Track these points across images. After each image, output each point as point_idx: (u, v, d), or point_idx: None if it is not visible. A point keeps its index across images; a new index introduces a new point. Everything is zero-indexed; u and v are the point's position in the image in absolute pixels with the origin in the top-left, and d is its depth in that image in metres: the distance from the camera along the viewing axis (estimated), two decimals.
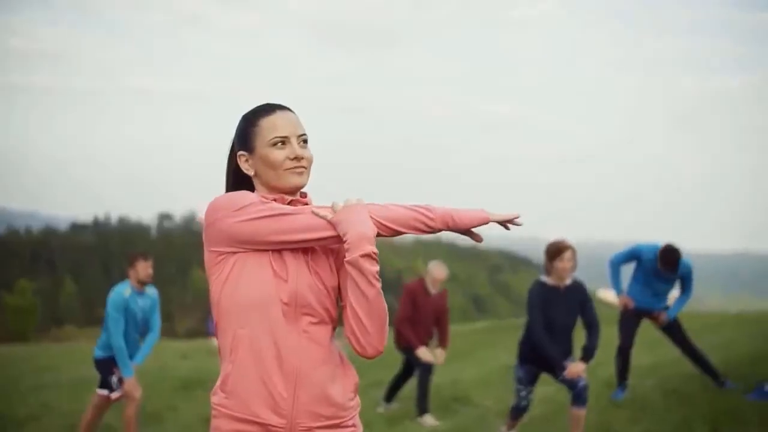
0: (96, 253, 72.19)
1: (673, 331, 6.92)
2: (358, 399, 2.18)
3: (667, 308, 6.87)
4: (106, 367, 6.06)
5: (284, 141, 2.11)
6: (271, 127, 2.12)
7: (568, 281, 5.30)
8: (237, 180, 2.22)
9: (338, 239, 2.05)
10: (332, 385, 2.09)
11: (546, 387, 6.70)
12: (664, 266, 6.58)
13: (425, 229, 2.12)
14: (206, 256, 2.12)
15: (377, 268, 2.01)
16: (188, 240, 77.29)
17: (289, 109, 2.17)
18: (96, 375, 6.21)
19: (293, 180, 2.11)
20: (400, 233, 2.11)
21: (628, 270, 6.98)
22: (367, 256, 1.99)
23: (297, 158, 2.11)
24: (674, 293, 6.96)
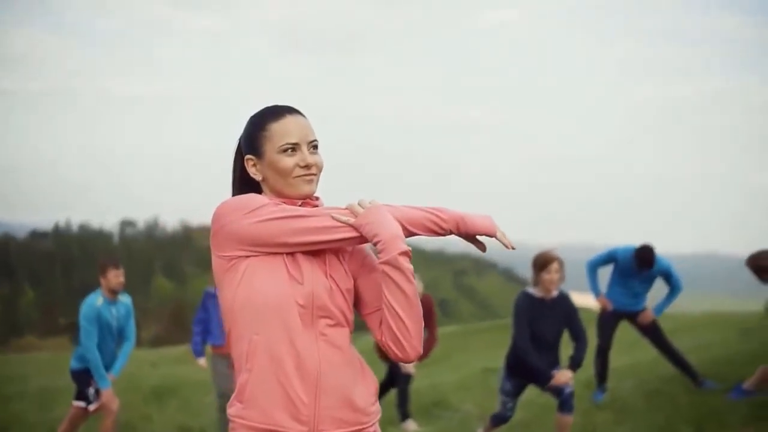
0: (56, 260, 70.98)
1: (652, 332, 6.96)
2: (378, 404, 2.11)
3: (644, 309, 6.91)
4: (83, 378, 5.92)
5: (294, 147, 2.05)
6: (282, 132, 2.05)
7: (554, 293, 5.28)
8: (243, 183, 2.15)
9: (357, 240, 2.01)
10: (354, 389, 2.02)
11: (527, 391, 6.67)
12: (640, 265, 6.65)
13: (438, 230, 2.08)
14: (215, 263, 2.04)
15: (412, 266, 1.97)
16: (151, 247, 76.47)
17: (299, 113, 2.11)
18: (66, 385, 6.07)
19: (303, 188, 2.06)
20: (414, 234, 2.07)
21: (605, 273, 7.02)
22: (404, 253, 1.95)
23: (307, 166, 2.05)
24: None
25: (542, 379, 5.18)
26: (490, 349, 15.43)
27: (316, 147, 2.09)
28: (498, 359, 11.32)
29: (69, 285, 65.06)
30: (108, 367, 5.92)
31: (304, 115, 2.11)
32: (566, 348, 5.30)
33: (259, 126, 2.09)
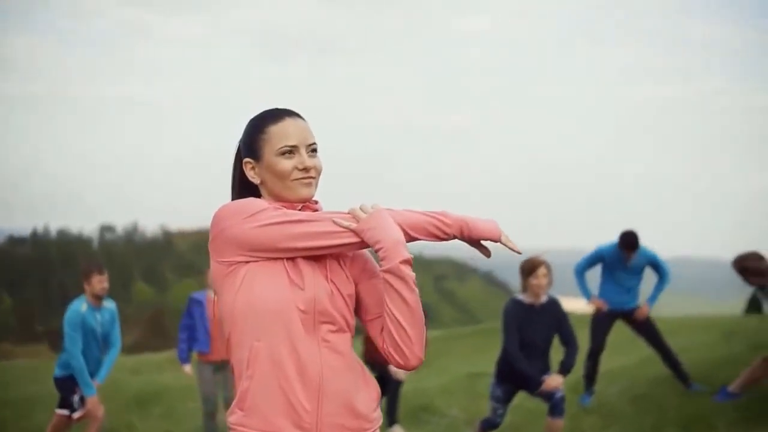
0: (34, 267, 70.27)
1: (648, 330, 6.97)
2: (380, 410, 2.09)
3: (638, 307, 6.92)
4: (67, 386, 5.83)
5: (293, 150, 2.02)
6: (280, 135, 2.03)
7: (544, 299, 5.27)
8: (243, 187, 2.12)
9: (359, 246, 1.98)
10: (356, 395, 2.00)
11: (516, 396, 6.67)
12: (625, 250, 6.70)
13: (441, 235, 2.05)
14: (214, 268, 2.00)
15: (414, 274, 1.94)
16: (131, 252, 75.94)
17: (298, 116, 2.09)
18: (46, 393, 5.99)
19: (301, 191, 2.03)
20: (417, 239, 2.04)
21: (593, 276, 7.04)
22: (406, 261, 1.92)
23: (305, 169, 2.03)
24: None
25: (533, 385, 5.18)
26: (473, 354, 15.43)
27: (315, 150, 2.06)
28: (482, 364, 11.37)
29: (47, 291, 64.44)
30: (93, 374, 5.83)
31: (303, 119, 2.09)
32: (556, 353, 5.31)
33: (257, 129, 2.07)
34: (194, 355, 6.66)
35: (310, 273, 1.97)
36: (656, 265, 6.90)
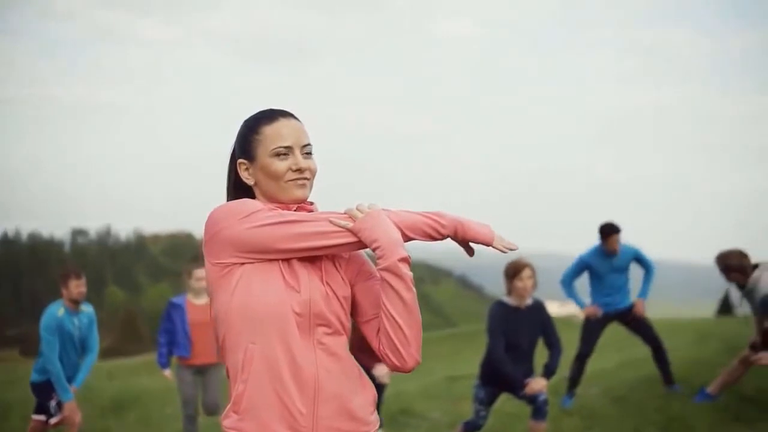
0: (4, 270, 69.38)
1: (644, 327, 6.98)
2: (377, 413, 2.06)
3: (633, 306, 6.95)
4: (44, 391, 5.74)
5: (287, 151, 2.00)
6: (274, 135, 2.01)
7: (529, 301, 5.28)
8: (238, 188, 2.09)
9: (355, 246, 1.96)
10: (353, 398, 1.97)
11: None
12: (605, 240, 6.74)
13: (436, 235, 2.04)
14: (208, 270, 1.97)
15: (411, 273, 1.92)
16: (103, 256, 75.24)
17: (293, 117, 2.06)
18: (19, 398, 5.91)
19: (295, 192, 2.01)
20: (412, 240, 2.02)
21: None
22: (404, 260, 1.91)
23: (300, 170, 2.00)
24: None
25: (516, 388, 5.17)
26: (451, 357, 15.48)
27: (310, 152, 2.04)
28: (460, 367, 11.40)
29: (17, 296, 63.63)
30: (70, 378, 5.76)
31: (298, 119, 2.07)
32: (539, 356, 5.31)
33: (252, 129, 2.04)
34: (174, 359, 6.59)
35: (305, 275, 1.95)
36: (640, 260, 6.93)
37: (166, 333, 6.43)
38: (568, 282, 6.95)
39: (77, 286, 5.72)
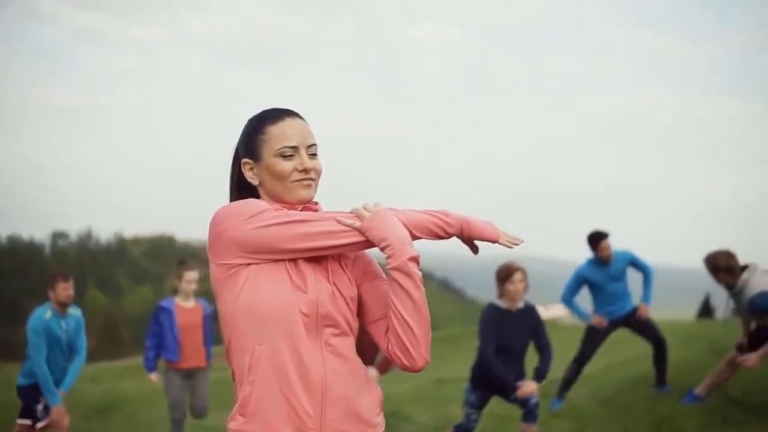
0: None
1: (649, 328, 6.99)
2: (382, 415, 2.05)
3: (636, 308, 6.96)
4: (31, 395, 5.68)
5: (293, 151, 1.98)
6: (279, 135, 1.98)
7: (520, 304, 5.28)
8: (241, 188, 2.07)
9: (363, 245, 1.94)
10: (360, 400, 1.95)
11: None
12: (595, 248, 6.76)
13: (443, 234, 2.03)
14: (213, 271, 1.95)
15: (420, 272, 1.91)
16: (84, 259, 74.67)
17: (299, 116, 2.04)
18: (3, 402, 5.82)
19: (300, 193, 1.99)
20: (420, 238, 2.01)
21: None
22: (413, 259, 1.89)
23: (305, 170, 1.98)
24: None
25: (508, 391, 5.17)
26: (436, 360, 15.46)
27: (315, 152, 2.02)
28: (447, 370, 11.38)
29: None
30: (57, 382, 5.70)
31: (303, 119, 2.04)
32: (529, 359, 5.32)
33: (257, 129, 2.02)
34: (162, 362, 6.54)
35: (312, 275, 1.93)
36: (636, 264, 6.95)
37: (154, 337, 6.38)
38: (569, 299, 6.97)
39: (65, 289, 5.67)
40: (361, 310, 2.03)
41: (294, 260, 1.92)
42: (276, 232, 1.88)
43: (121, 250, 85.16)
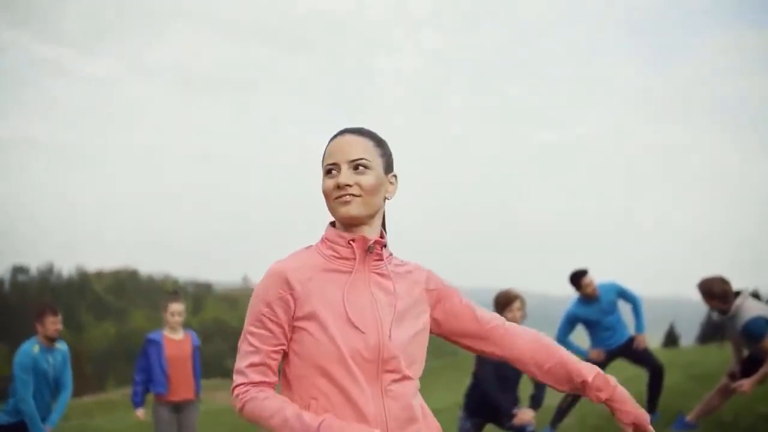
0: None
1: (646, 356, 7.00)
2: None
3: (632, 339, 6.99)
4: None
5: (333, 168, 1.90)
6: (327, 154, 1.94)
7: None
8: None
9: None
10: None
11: None
12: (579, 288, 6.81)
13: None
14: None
15: None
16: (45, 294, 73.17)
17: (355, 132, 1.95)
18: None
19: (339, 210, 1.89)
20: None
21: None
22: None
23: (339, 186, 1.87)
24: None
25: (505, 419, 5.16)
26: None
27: (362, 166, 1.89)
28: (435, 400, 11.31)
29: None
30: (44, 419, 5.59)
31: (361, 134, 1.95)
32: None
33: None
34: (150, 396, 6.41)
35: (372, 317, 1.87)
36: (624, 295, 7.00)
37: (143, 370, 6.26)
38: (563, 339, 6.99)
39: (53, 323, 5.60)
40: (445, 331, 2.05)
41: (355, 300, 1.88)
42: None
43: (83, 284, 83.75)
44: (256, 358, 1.84)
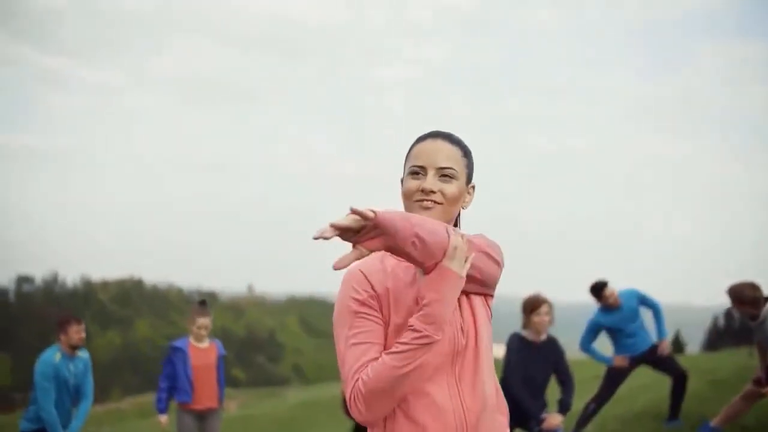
0: None
1: (670, 362, 7.01)
2: None
3: (655, 346, 6.97)
4: None
5: (420, 171, 1.92)
6: (413, 155, 1.97)
7: (543, 336, 5.28)
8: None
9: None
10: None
11: None
12: (599, 298, 6.79)
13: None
14: None
15: None
16: (50, 304, 73.23)
17: (446, 138, 1.97)
18: None
19: (420, 213, 1.89)
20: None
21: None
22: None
23: (424, 191, 1.90)
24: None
25: (533, 423, 5.13)
26: None
27: (448, 175, 1.92)
28: None
29: None
30: (65, 426, 5.60)
31: (451, 141, 1.97)
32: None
33: (409, 149, 2.01)
34: (174, 403, 6.39)
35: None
36: (645, 301, 7.00)
37: (168, 378, 6.24)
38: (587, 347, 7.01)
39: (77, 332, 5.65)
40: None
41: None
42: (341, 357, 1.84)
43: (87, 294, 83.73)
44: (372, 353, 1.79)
